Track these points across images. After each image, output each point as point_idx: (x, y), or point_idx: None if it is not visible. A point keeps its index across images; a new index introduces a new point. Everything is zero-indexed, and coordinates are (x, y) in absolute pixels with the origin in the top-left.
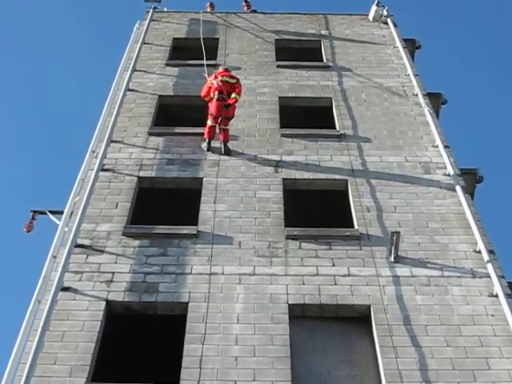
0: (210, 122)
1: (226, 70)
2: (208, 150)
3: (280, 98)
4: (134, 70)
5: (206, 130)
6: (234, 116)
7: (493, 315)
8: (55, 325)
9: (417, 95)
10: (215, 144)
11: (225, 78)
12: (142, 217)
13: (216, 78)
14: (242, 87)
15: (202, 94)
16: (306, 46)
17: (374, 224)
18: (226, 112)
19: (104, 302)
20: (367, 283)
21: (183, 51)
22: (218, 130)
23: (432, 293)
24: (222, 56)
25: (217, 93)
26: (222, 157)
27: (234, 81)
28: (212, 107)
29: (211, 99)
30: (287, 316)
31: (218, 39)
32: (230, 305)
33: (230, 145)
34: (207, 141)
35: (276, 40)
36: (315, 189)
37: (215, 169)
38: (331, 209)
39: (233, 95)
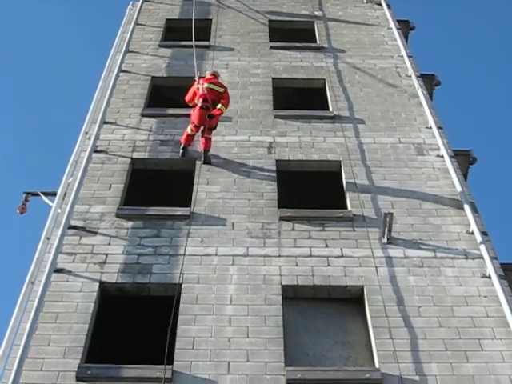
0: (189, 130)
1: (214, 74)
2: (182, 156)
3: (273, 79)
4: (127, 51)
5: (183, 136)
6: (216, 126)
7: (485, 296)
8: (49, 306)
9: (410, 76)
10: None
11: (212, 86)
12: (135, 198)
13: (202, 84)
14: (230, 98)
15: (187, 98)
16: (300, 27)
17: (368, 205)
18: (209, 122)
19: (97, 284)
20: (360, 264)
21: (176, 32)
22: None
23: (425, 274)
24: (214, 37)
25: (201, 100)
26: (216, 137)
27: (222, 90)
28: (194, 115)
29: (195, 105)
30: (280, 297)
31: (210, 20)
32: (223, 286)
33: (211, 153)
34: (182, 146)
35: (269, 21)
36: (308, 170)
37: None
38: (324, 190)
39: (218, 106)
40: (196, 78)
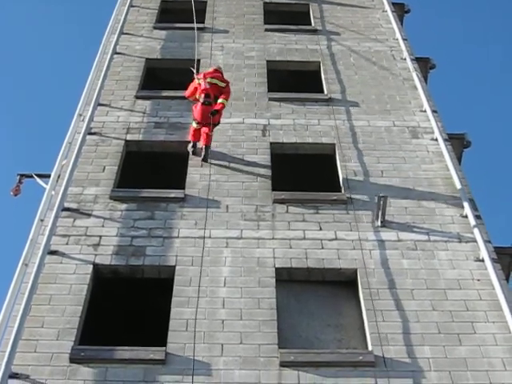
0: (194, 125)
1: (217, 70)
2: (194, 154)
3: (268, 61)
4: (121, 33)
5: (190, 133)
6: (219, 123)
7: (479, 280)
8: (42, 288)
9: (405, 60)
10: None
11: (214, 81)
12: (129, 180)
13: (205, 78)
14: (231, 91)
15: (187, 93)
16: (295, 10)
17: (361, 188)
18: (213, 119)
19: (91, 266)
20: (354, 247)
21: (171, 14)
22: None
23: (418, 257)
24: (210, 19)
25: (203, 96)
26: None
27: (223, 84)
28: (196, 112)
29: (196, 100)
30: (274, 279)
31: (206, 2)
32: (217, 268)
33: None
34: (192, 143)
35: (264, 3)
36: (303, 153)
37: None
38: (319, 173)
39: (220, 100)
40: (194, 72)
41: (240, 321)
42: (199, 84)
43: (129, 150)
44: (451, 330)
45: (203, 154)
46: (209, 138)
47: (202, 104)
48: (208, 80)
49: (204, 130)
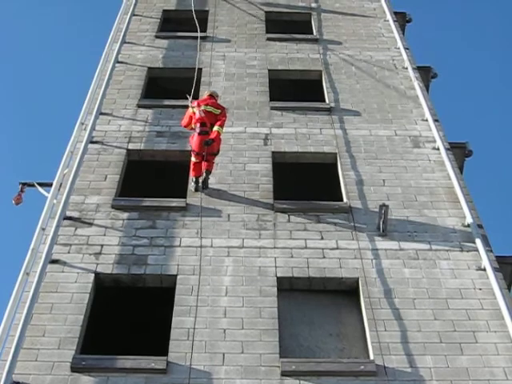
0: (193, 159)
1: (212, 95)
2: (196, 191)
3: (270, 70)
4: (123, 41)
5: (191, 168)
6: (219, 152)
7: (480, 289)
8: (44, 297)
9: (407, 69)
10: None
11: (209, 108)
12: (130, 189)
13: (199, 106)
14: (227, 118)
15: (183, 123)
16: (296, 19)
17: (363, 197)
18: (210, 148)
19: (93, 275)
20: (355, 256)
21: (173, 23)
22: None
23: (420, 266)
24: (211, 28)
25: (198, 125)
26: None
27: (218, 111)
28: (193, 142)
29: (193, 129)
30: (275, 289)
31: (207, 11)
32: (218, 277)
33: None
34: (194, 179)
35: (266, 12)
36: (304, 162)
37: None
38: (320, 182)
39: (215, 128)
40: (189, 101)
41: (241, 330)
42: (194, 113)
43: (130, 158)
44: (453, 340)
45: (203, 177)
46: (210, 164)
47: (199, 134)
48: (202, 108)
49: (204, 164)
